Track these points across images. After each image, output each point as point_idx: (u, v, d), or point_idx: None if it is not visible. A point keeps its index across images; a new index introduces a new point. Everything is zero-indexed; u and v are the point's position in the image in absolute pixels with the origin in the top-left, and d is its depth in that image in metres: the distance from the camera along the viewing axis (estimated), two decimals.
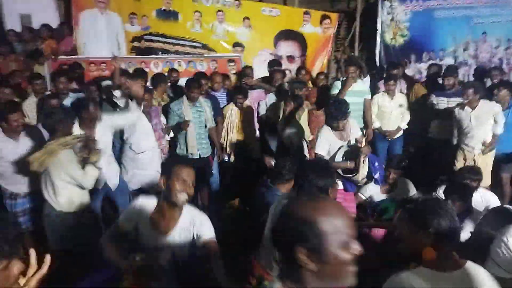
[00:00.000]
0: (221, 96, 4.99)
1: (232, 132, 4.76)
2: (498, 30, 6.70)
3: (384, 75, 5.59)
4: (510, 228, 1.84)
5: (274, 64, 5.64)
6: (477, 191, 3.19)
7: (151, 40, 6.38)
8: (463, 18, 6.66)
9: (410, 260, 1.61)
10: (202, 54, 6.29)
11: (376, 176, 3.44)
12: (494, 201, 3.17)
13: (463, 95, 4.35)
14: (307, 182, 2.02)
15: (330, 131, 3.55)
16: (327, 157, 3.51)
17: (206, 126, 4.38)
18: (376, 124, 5.04)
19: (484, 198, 3.18)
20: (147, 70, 5.69)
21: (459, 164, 4.41)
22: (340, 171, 3.46)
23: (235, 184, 4.77)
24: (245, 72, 5.53)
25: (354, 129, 3.70)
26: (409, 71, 6.51)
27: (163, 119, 4.38)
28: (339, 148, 3.53)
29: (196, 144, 4.28)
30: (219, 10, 6.33)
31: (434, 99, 4.85)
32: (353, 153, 3.46)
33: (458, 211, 2.82)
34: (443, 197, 2.87)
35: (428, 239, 1.52)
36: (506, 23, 6.67)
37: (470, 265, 1.53)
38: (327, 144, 3.53)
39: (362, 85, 5.06)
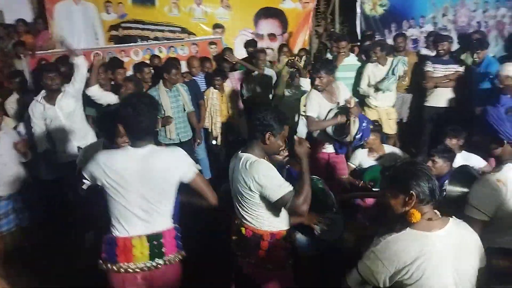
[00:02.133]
0: (201, 80, 4.97)
1: (216, 115, 4.77)
2: None
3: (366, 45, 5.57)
4: (486, 176, 1.92)
5: (251, 44, 5.61)
6: (459, 152, 3.32)
7: (129, 28, 6.27)
8: None
9: (398, 224, 1.68)
10: (182, 39, 6.22)
11: (358, 136, 3.47)
12: (474, 160, 3.27)
13: None
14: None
15: (318, 94, 3.55)
16: (318, 118, 3.53)
17: (184, 110, 4.36)
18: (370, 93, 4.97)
19: (464, 158, 3.30)
20: (127, 59, 5.64)
21: None
22: (331, 132, 3.52)
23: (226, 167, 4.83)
24: (224, 54, 5.50)
25: (343, 91, 3.73)
26: (390, 41, 6.53)
27: None
28: (329, 111, 3.55)
29: (175, 129, 4.28)
30: None
31: (429, 66, 4.84)
32: (342, 112, 3.48)
33: (447, 171, 2.96)
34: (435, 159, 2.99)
35: (410, 202, 1.58)
36: None
37: (453, 222, 1.61)
38: (317, 106, 3.52)
39: (353, 59, 5.07)
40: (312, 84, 3.58)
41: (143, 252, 1.94)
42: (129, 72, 5.28)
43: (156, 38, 6.23)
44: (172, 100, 4.23)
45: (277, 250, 2.18)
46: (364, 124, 3.51)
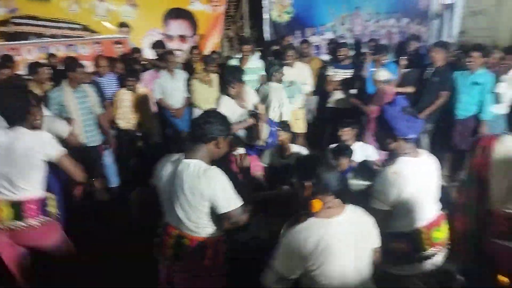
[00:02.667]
0: (110, 81, 4.68)
1: (129, 116, 4.53)
2: (368, 5, 7.46)
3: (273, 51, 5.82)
4: (383, 170, 2.14)
5: (159, 46, 5.47)
6: (355, 143, 3.67)
7: (21, 24, 5.63)
8: None
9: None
10: (83, 37, 5.78)
11: (270, 140, 3.63)
12: (370, 151, 3.63)
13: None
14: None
15: (229, 99, 3.62)
16: None
17: (92, 113, 4.03)
18: None
19: (361, 148, 3.65)
20: (19, 57, 5.07)
21: None
22: (243, 137, 3.60)
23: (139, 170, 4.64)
24: (133, 54, 5.26)
25: (251, 96, 3.84)
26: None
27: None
28: (240, 116, 3.62)
29: (82, 132, 3.94)
30: None
31: (330, 71, 5.19)
32: (252, 118, 3.59)
33: (348, 166, 3.22)
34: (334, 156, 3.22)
35: (310, 191, 1.70)
36: None
37: (350, 208, 1.77)
38: (228, 112, 3.56)
39: (256, 62, 5.24)
40: (223, 91, 3.64)
41: (8, 215, 2.34)
42: (21, 72, 4.77)
43: (52, 36, 5.69)
44: (80, 101, 3.88)
45: (221, 256, 2.14)
46: (273, 129, 3.67)
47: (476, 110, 4.36)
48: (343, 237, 1.68)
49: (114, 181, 4.61)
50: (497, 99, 4.31)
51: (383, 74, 4.58)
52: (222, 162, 2.22)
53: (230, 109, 3.60)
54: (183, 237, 2.08)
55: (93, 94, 3.99)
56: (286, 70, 4.97)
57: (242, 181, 2.59)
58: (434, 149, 4.67)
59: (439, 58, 4.49)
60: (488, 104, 4.30)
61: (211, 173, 1.96)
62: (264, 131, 3.58)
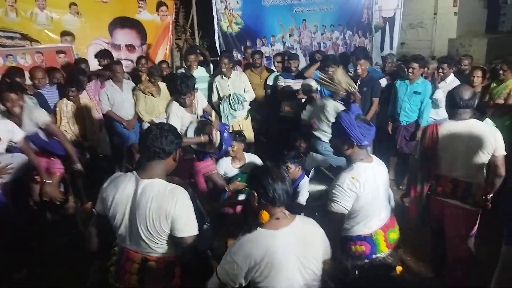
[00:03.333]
0: (50, 92, 4.44)
1: (73, 128, 4.32)
2: (315, 17, 7.76)
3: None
4: (342, 174, 2.20)
5: (103, 55, 5.28)
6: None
7: None
8: (286, 6, 7.47)
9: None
10: (23, 46, 5.46)
11: (224, 146, 3.62)
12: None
13: None
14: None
15: (178, 106, 3.56)
16: (180, 132, 3.54)
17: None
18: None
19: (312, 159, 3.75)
20: None
21: None
22: (195, 146, 3.58)
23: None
24: (78, 64, 5.05)
25: (200, 100, 3.82)
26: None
27: None
28: (190, 122, 3.59)
29: None
30: None
31: (281, 81, 5.29)
32: (204, 127, 3.57)
33: (299, 175, 3.28)
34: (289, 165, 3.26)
35: (260, 201, 1.71)
36: (320, 11, 7.77)
37: (299, 219, 1.78)
38: (178, 119, 3.53)
39: (203, 71, 5.27)
40: (176, 99, 3.59)
41: None
42: None
43: None
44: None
45: (191, 271, 2.04)
46: (225, 135, 3.66)
47: (416, 116, 4.68)
48: (288, 249, 1.67)
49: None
50: (435, 105, 4.64)
51: (311, 84, 4.83)
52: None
53: (180, 116, 3.56)
54: (148, 260, 1.95)
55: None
56: (222, 82, 5.05)
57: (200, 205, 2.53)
58: (379, 154, 4.92)
59: (364, 69, 4.77)
60: (427, 111, 4.62)
61: (178, 193, 1.87)
62: (217, 138, 3.57)
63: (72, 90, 4.25)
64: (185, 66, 5.21)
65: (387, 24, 8.88)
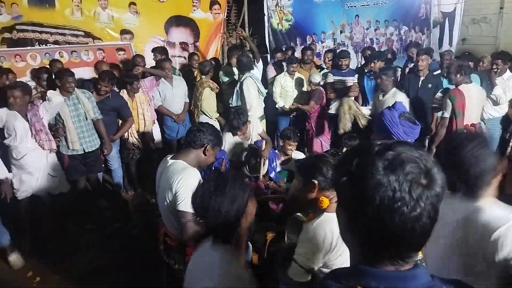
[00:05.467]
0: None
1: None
2: (368, 13, 7.54)
3: (275, 59, 5.91)
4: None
5: (159, 51, 5.54)
6: None
7: (25, 30, 5.72)
8: (338, 2, 7.33)
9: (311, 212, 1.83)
10: (86, 43, 5.87)
11: (272, 175, 3.71)
12: None
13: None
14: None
15: (231, 136, 3.73)
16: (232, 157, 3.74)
17: (87, 119, 4.06)
18: (280, 103, 5.32)
19: None
20: (22, 64, 5.16)
21: None
22: (246, 171, 3.74)
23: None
24: (135, 60, 5.33)
25: (255, 126, 3.93)
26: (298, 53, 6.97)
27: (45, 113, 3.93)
28: (243, 148, 3.77)
29: (77, 139, 3.99)
30: None
31: (331, 78, 5.26)
32: (254, 152, 3.73)
33: None
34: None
35: (314, 189, 1.74)
36: (374, 6, 7.54)
37: None
38: (229, 146, 3.73)
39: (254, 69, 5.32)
40: (229, 130, 3.76)
41: None
42: (26, 78, 4.86)
43: (56, 42, 5.78)
44: (71, 109, 3.94)
45: None
46: (273, 164, 3.74)
47: None
48: None
49: (119, 184, 4.69)
50: (494, 102, 4.38)
51: (317, 77, 4.97)
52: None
53: (230, 144, 3.74)
54: (166, 235, 2.25)
55: (85, 100, 4.03)
56: (287, 81, 5.11)
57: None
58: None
59: (426, 64, 4.62)
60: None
61: (188, 171, 2.11)
62: (264, 167, 3.68)
63: (130, 83, 4.52)
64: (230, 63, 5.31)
65: (447, 20, 8.41)
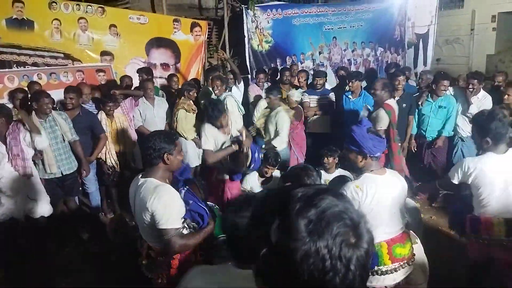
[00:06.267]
0: (89, 107, 4.71)
1: (108, 142, 4.53)
2: (345, 35, 7.78)
3: (257, 79, 6.00)
4: (347, 183, 2.27)
5: (143, 72, 5.58)
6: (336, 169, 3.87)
7: (3, 52, 5.67)
8: (317, 25, 7.55)
9: None
10: (66, 65, 5.84)
11: (252, 166, 3.70)
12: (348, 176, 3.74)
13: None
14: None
15: (212, 127, 3.72)
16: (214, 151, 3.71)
17: (64, 141, 4.03)
18: (258, 125, 5.36)
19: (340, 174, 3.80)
20: (0, 86, 5.09)
21: None
22: (228, 161, 3.70)
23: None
24: (123, 81, 5.39)
25: (235, 122, 3.99)
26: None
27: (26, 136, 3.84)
28: (223, 143, 3.73)
29: (55, 162, 3.92)
30: (81, 18, 5.96)
31: (306, 97, 5.38)
32: (236, 145, 3.69)
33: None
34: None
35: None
36: (351, 28, 7.78)
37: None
38: (213, 139, 3.70)
39: (235, 89, 5.40)
40: (209, 121, 3.74)
41: None
42: (4, 101, 4.78)
43: (35, 64, 5.74)
44: (48, 131, 3.88)
45: (190, 265, 2.18)
46: (256, 155, 3.74)
47: (442, 131, 4.72)
48: None
49: (95, 206, 4.60)
50: (470, 120, 4.56)
51: (297, 95, 5.06)
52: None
53: (214, 137, 3.71)
54: (150, 248, 2.26)
55: (63, 122, 3.99)
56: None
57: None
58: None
59: (403, 85, 4.84)
60: (451, 122, 4.70)
61: (160, 189, 2.12)
62: (248, 157, 3.67)
63: (109, 105, 4.51)
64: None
65: (421, 41, 8.74)
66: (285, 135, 4.53)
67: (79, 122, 4.22)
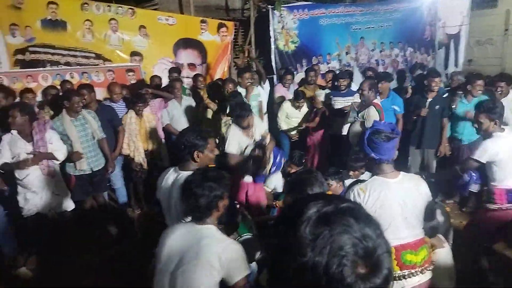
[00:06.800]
0: (120, 106, 4.83)
1: (136, 140, 4.63)
2: (373, 35, 7.65)
3: (284, 80, 5.97)
4: (352, 186, 2.24)
5: (174, 71, 5.69)
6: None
7: (38, 52, 5.89)
8: (344, 25, 7.46)
9: None
10: (97, 65, 6.01)
11: (273, 169, 3.69)
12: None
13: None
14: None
15: (238, 130, 3.74)
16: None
17: (94, 138, 4.13)
18: (283, 126, 5.39)
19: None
20: (34, 84, 5.29)
21: None
22: (250, 164, 3.69)
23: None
24: (153, 81, 5.49)
25: (258, 126, 3.96)
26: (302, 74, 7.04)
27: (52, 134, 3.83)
28: (247, 146, 3.74)
29: (85, 159, 4.02)
30: (112, 19, 6.12)
31: (331, 99, 5.31)
32: (258, 147, 3.70)
33: (341, 190, 3.25)
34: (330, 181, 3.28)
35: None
36: (379, 28, 7.65)
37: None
38: (237, 142, 3.71)
39: (258, 89, 5.41)
40: (235, 122, 3.78)
41: None
42: (38, 98, 4.95)
43: (67, 63, 5.93)
44: (79, 129, 4.00)
45: None
46: (277, 159, 3.74)
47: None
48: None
49: (124, 203, 4.72)
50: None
51: (323, 96, 5.11)
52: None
53: (238, 140, 3.74)
54: None
55: (92, 120, 4.10)
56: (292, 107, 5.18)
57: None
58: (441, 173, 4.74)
59: (438, 87, 4.65)
60: None
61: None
62: (270, 161, 3.67)
63: (139, 104, 4.60)
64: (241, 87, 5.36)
65: (452, 41, 8.49)
66: None
67: (98, 117, 4.30)
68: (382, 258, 0.68)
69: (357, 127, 4.34)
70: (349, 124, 4.55)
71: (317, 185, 1.76)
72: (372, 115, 4.19)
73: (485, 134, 3.09)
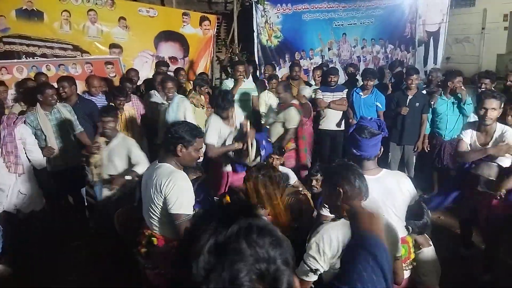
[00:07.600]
0: (100, 100, 4.71)
1: None
2: (355, 31, 7.70)
3: (264, 75, 5.96)
4: None
5: (162, 64, 5.63)
6: None
7: (12, 43, 5.67)
8: (327, 20, 7.48)
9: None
10: (74, 57, 5.83)
11: (263, 153, 3.64)
12: None
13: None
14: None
15: (218, 119, 3.69)
16: (217, 145, 3.66)
17: (69, 133, 4.01)
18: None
19: None
20: (8, 76, 5.10)
21: None
22: (232, 155, 3.66)
23: None
24: (129, 74, 5.34)
25: (238, 115, 3.95)
26: (285, 70, 7.05)
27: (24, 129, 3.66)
28: (228, 134, 3.70)
29: (59, 154, 3.91)
30: (91, 10, 5.94)
31: (319, 94, 5.31)
32: (241, 136, 3.66)
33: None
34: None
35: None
36: (361, 25, 7.71)
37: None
38: (216, 132, 3.66)
39: (249, 83, 5.36)
40: (216, 112, 3.72)
41: None
42: (12, 91, 4.78)
43: (44, 55, 5.73)
44: (53, 124, 3.87)
45: None
46: (264, 143, 3.69)
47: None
48: None
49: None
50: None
51: (307, 91, 5.10)
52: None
53: (218, 128, 3.68)
54: (152, 236, 2.27)
55: (68, 114, 3.98)
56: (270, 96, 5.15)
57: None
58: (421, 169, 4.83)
59: (416, 84, 4.76)
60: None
61: (176, 174, 2.18)
62: (253, 149, 3.61)
63: (120, 98, 4.48)
64: (233, 78, 5.30)
65: (431, 39, 8.65)
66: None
67: (78, 111, 4.21)
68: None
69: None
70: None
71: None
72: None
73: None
